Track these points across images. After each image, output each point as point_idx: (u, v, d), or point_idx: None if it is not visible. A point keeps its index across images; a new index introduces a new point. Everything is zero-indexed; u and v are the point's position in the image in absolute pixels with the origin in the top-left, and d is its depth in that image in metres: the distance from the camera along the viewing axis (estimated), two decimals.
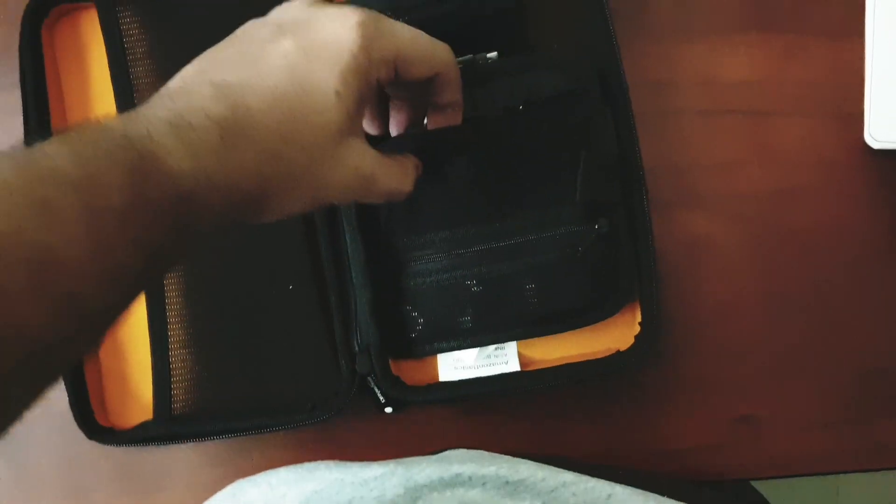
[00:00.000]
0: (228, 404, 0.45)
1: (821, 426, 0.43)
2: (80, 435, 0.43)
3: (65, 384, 0.44)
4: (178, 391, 0.44)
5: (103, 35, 0.46)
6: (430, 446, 0.44)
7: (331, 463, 0.40)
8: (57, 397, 0.46)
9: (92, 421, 0.44)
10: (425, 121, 0.39)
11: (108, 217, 0.23)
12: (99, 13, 0.46)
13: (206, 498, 0.42)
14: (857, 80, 0.42)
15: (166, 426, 0.44)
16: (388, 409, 0.43)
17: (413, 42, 0.32)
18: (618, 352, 0.42)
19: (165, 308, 0.45)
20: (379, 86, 0.32)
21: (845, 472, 0.44)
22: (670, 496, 0.37)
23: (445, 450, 0.42)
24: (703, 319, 0.44)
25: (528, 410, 0.45)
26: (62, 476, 0.47)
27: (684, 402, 0.44)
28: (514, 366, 0.43)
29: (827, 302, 0.43)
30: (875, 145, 0.42)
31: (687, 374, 0.44)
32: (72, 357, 0.24)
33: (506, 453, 0.40)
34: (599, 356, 0.42)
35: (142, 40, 0.46)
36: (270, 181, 0.29)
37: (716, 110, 0.44)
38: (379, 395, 0.43)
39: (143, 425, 0.44)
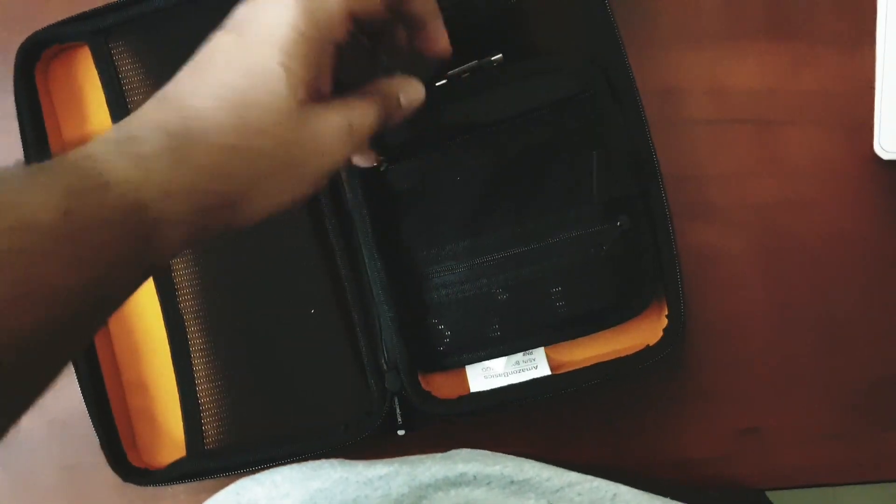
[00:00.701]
0: (260, 434, 0.44)
1: (828, 437, 0.43)
2: (80, 443, 0.43)
3: (94, 427, 0.43)
4: (209, 425, 0.44)
5: (98, 72, 0.45)
6: None
7: (335, 461, 0.40)
8: (54, 407, 0.46)
9: (125, 463, 0.44)
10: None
11: (32, 236, 0.22)
12: (92, 50, 0.45)
13: None
14: (867, 90, 0.42)
15: (200, 462, 0.44)
16: (401, 432, 0.43)
17: None
18: (647, 346, 0.42)
19: (188, 343, 0.44)
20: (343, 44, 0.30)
21: (852, 483, 0.44)
22: (673, 497, 0.37)
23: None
24: (711, 330, 0.44)
25: (534, 419, 0.45)
26: (63, 485, 0.47)
27: (691, 412, 0.44)
28: (544, 370, 0.43)
29: (835, 312, 0.43)
30: (885, 156, 0.41)
31: (694, 384, 0.44)
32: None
33: None
34: (629, 352, 0.42)
35: (137, 73, 0.45)
36: (238, 176, 0.28)
37: (724, 119, 0.44)
38: (398, 415, 0.43)
39: (178, 463, 0.44)
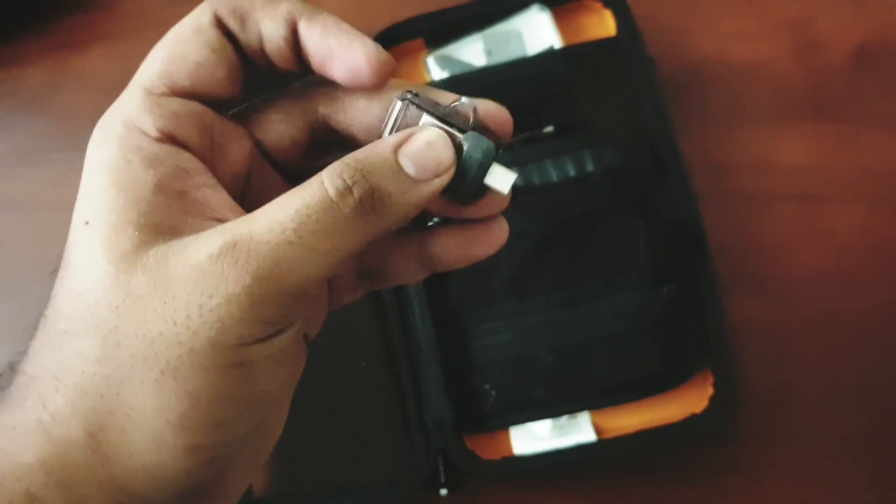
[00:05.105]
0: (305, 486, 0.45)
1: None
2: None
3: None
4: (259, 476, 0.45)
5: None
6: None
7: None
8: None
9: None
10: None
11: None
12: None
13: None
14: None
15: None
16: (444, 492, 0.43)
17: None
18: (693, 415, 0.42)
19: None
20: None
21: None
22: None
23: None
24: (756, 403, 0.43)
25: (577, 483, 0.44)
26: None
27: (738, 484, 0.43)
28: (588, 435, 0.43)
29: (884, 389, 0.43)
30: None
31: (741, 456, 0.43)
32: None
33: None
34: (675, 421, 0.42)
35: None
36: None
37: (770, 194, 0.45)
38: (441, 474, 0.43)
39: None
